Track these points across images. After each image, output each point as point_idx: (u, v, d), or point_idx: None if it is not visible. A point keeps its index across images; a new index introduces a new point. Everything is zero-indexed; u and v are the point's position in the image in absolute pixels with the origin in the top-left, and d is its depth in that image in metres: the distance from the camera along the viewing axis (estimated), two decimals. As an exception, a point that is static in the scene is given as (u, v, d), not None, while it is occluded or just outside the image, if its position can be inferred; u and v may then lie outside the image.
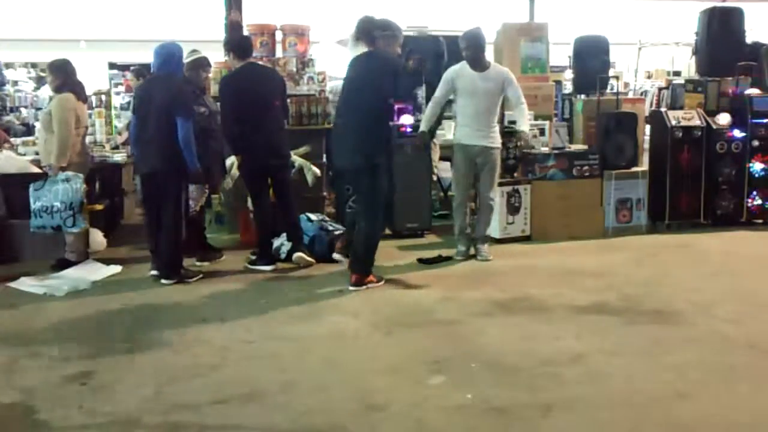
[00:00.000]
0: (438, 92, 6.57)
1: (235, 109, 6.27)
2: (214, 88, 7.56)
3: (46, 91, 14.24)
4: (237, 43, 6.58)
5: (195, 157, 5.85)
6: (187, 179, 6.01)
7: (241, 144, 6.36)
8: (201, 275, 6.08)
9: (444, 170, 9.77)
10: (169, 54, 5.99)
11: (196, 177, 6.04)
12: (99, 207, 7.18)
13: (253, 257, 6.46)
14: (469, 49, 6.50)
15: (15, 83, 17.65)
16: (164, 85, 5.92)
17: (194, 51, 6.63)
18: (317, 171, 7.22)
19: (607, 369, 4.17)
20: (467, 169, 6.58)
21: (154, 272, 6.04)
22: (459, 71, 6.52)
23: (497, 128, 6.68)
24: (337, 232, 6.61)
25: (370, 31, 5.73)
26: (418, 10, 14.38)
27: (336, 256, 6.34)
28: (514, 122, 7.57)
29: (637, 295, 5.51)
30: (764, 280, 5.99)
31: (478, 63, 6.50)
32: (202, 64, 6.57)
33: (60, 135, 6.16)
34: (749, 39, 8.91)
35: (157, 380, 4.05)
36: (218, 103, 6.65)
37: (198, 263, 6.46)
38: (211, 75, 7.87)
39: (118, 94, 14.32)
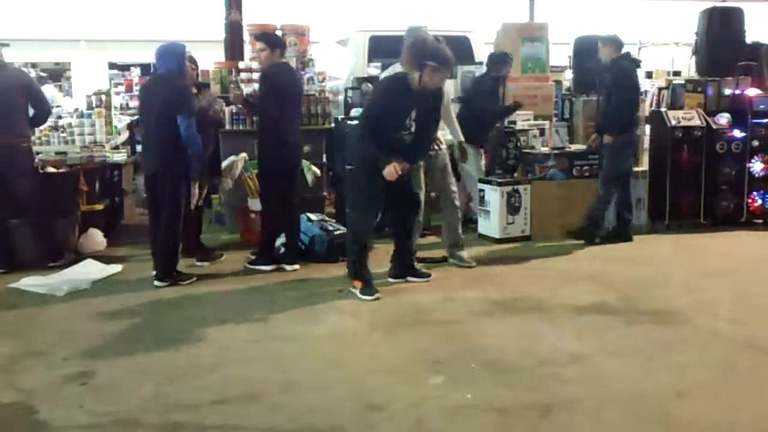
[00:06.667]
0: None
1: (282, 104, 6.16)
2: (214, 88, 7.58)
3: (46, 91, 14.24)
4: (281, 40, 6.54)
5: (200, 152, 5.92)
6: (188, 180, 6.00)
7: (279, 141, 6.21)
8: (195, 278, 6.00)
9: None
10: (163, 53, 5.89)
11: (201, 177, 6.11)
12: (99, 207, 7.19)
13: (253, 257, 6.45)
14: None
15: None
16: (161, 85, 5.88)
17: None
18: (317, 171, 7.22)
19: (607, 369, 4.17)
20: None
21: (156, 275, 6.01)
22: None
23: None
24: (337, 232, 6.60)
25: (420, 57, 5.36)
26: (418, 10, 14.40)
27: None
28: (514, 122, 7.60)
29: (637, 295, 5.51)
30: (764, 281, 5.99)
31: None
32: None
33: None
34: (749, 39, 8.91)
35: (157, 380, 4.05)
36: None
37: (198, 263, 6.45)
38: (211, 75, 7.91)
39: (118, 94, 14.29)
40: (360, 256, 5.65)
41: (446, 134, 8.75)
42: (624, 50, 7.21)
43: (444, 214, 6.45)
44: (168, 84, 5.82)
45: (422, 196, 5.99)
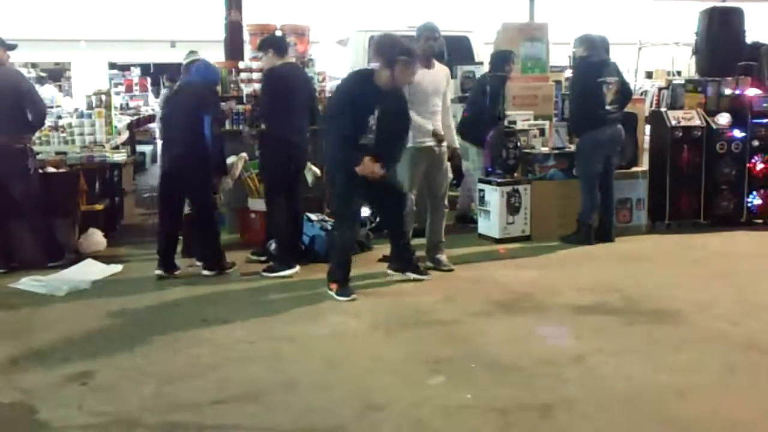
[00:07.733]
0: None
1: (284, 104, 6.16)
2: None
3: (46, 91, 14.25)
4: (277, 41, 6.50)
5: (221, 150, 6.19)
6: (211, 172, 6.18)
7: (282, 141, 6.20)
8: (236, 265, 6.22)
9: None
10: (204, 66, 6.37)
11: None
12: (99, 207, 7.19)
13: (254, 257, 6.44)
14: (421, 40, 6.10)
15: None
16: (186, 90, 6.31)
17: (192, 52, 6.67)
18: (317, 171, 7.20)
19: (607, 369, 4.17)
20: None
21: (158, 271, 6.04)
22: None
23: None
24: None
25: (390, 53, 5.34)
26: (418, 10, 14.40)
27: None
28: (514, 122, 7.59)
29: (637, 295, 5.51)
30: (764, 280, 5.99)
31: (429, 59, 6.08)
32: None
33: None
34: (749, 39, 8.92)
35: (157, 380, 4.05)
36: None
37: (198, 263, 6.45)
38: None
39: (118, 94, 14.29)
40: (341, 262, 5.59)
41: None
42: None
43: (431, 213, 6.29)
44: (191, 89, 6.24)
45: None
